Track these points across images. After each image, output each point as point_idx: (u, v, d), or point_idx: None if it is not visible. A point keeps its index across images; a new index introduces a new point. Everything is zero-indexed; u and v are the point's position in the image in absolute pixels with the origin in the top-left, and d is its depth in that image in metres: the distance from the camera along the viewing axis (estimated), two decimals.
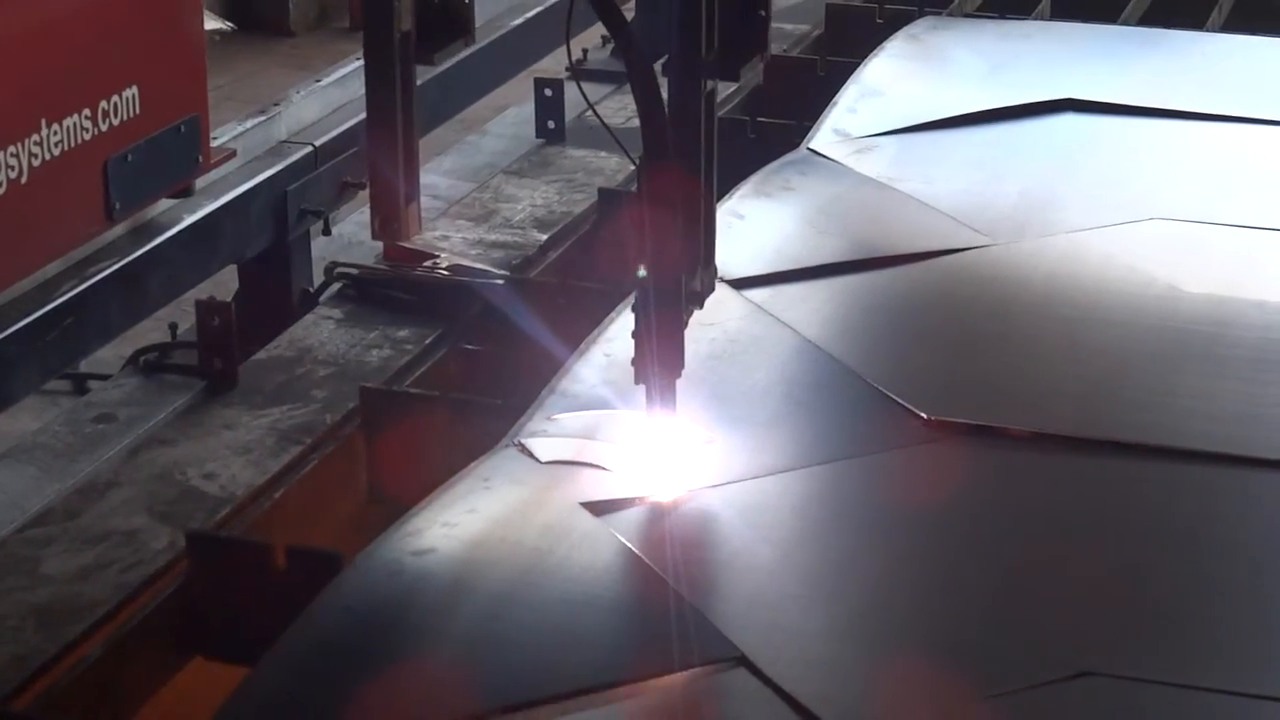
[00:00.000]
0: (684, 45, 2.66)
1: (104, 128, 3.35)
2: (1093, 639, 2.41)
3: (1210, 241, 3.50)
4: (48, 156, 3.21)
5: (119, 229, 3.52)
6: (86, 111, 3.31)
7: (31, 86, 3.19)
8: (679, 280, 2.66)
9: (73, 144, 3.27)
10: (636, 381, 2.68)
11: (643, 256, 2.63)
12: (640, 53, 2.60)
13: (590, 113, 4.01)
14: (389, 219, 2.70)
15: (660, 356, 2.66)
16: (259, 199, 3.88)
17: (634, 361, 2.67)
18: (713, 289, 2.76)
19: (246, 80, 6.22)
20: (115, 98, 3.38)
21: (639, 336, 2.65)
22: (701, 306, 2.74)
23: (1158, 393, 2.99)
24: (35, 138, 3.18)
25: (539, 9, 4.89)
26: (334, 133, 4.11)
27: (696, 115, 2.67)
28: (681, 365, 2.70)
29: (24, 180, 3.15)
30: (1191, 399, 2.96)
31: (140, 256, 3.56)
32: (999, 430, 2.86)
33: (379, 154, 2.71)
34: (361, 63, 4.58)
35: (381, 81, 2.67)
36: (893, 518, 2.69)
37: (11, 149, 3.12)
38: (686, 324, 2.70)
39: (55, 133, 3.23)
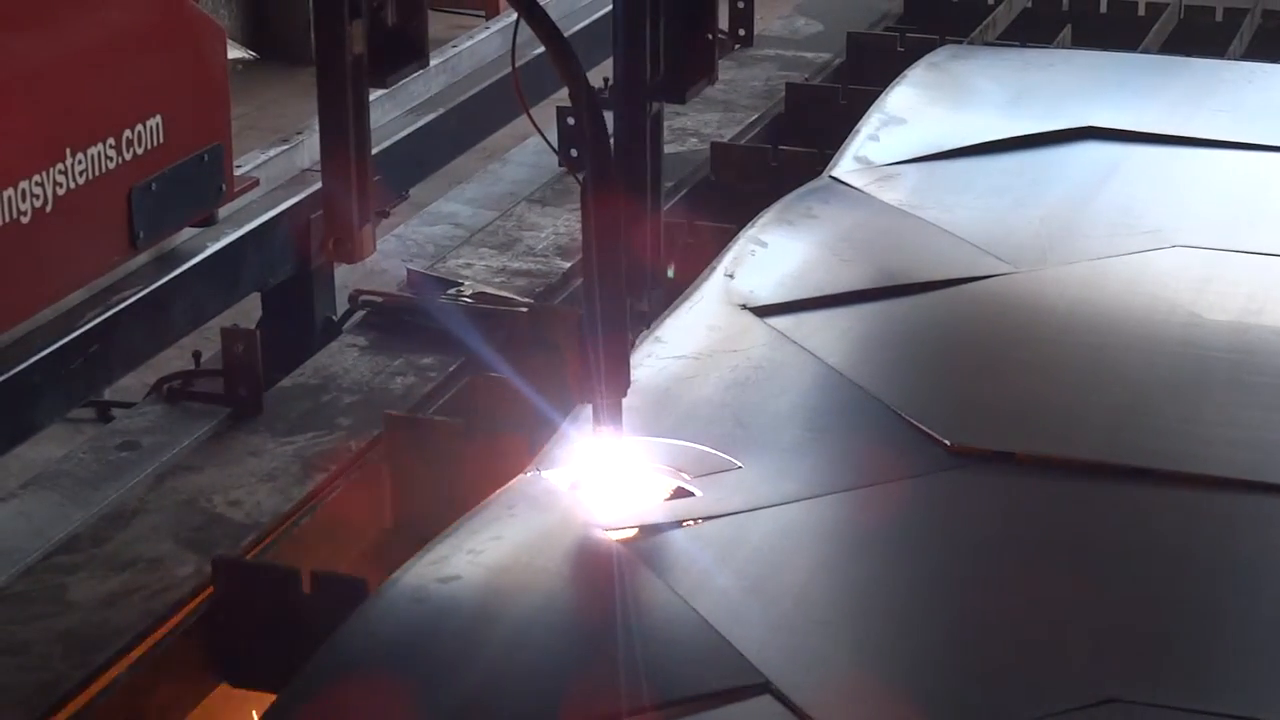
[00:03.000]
0: (627, 67, 2.68)
1: (128, 157, 3.37)
2: (1117, 666, 2.41)
3: (1232, 269, 3.50)
4: (72, 185, 3.22)
5: (143, 257, 3.53)
6: (111, 140, 3.32)
7: (56, 116, 3.20)
8: (624, 300, 2.68)
9: (97, 173, 3.28)
10: (580, 400, 2.70)
11: (588, 276, 2.66)
12: (579, 72, 2.61)
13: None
14: (343, 241, 2.75)
15: (607, 377, 2.67)
16: (282, 227, 3.89)
17: (580, 380, 2.69)
18: (661, 309, 2.78)
19: (268, 109, 6.24)
20: (139, 127, 3.39)
21: (584, 356, 2.67)
22: (649, 326, 2.75)
23: (1180, 420, 2.99)
24: (60, 167, 3.20)
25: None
26: None
27: (641, 136, 2.68)
28: (628, 385, 2.71)
29: (49, 209, 3.16)
30: (1214, 426, 2.96)
31: (164, 285, 3.57)
32: (1022, 457, 2.86)
33: (333, 177, 2.74)
34: (381, 91, 4.63)
35: (334, 105, 2.71)
36: (917, 544, 2.69)
37: (36, 178, 3.13)
38: (633, 344, 2.70)
39: (80, 162, 3.24)
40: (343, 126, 2.73)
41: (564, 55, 2.58)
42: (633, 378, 3.01)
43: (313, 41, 2.74)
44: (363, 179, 2.78)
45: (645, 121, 2.69)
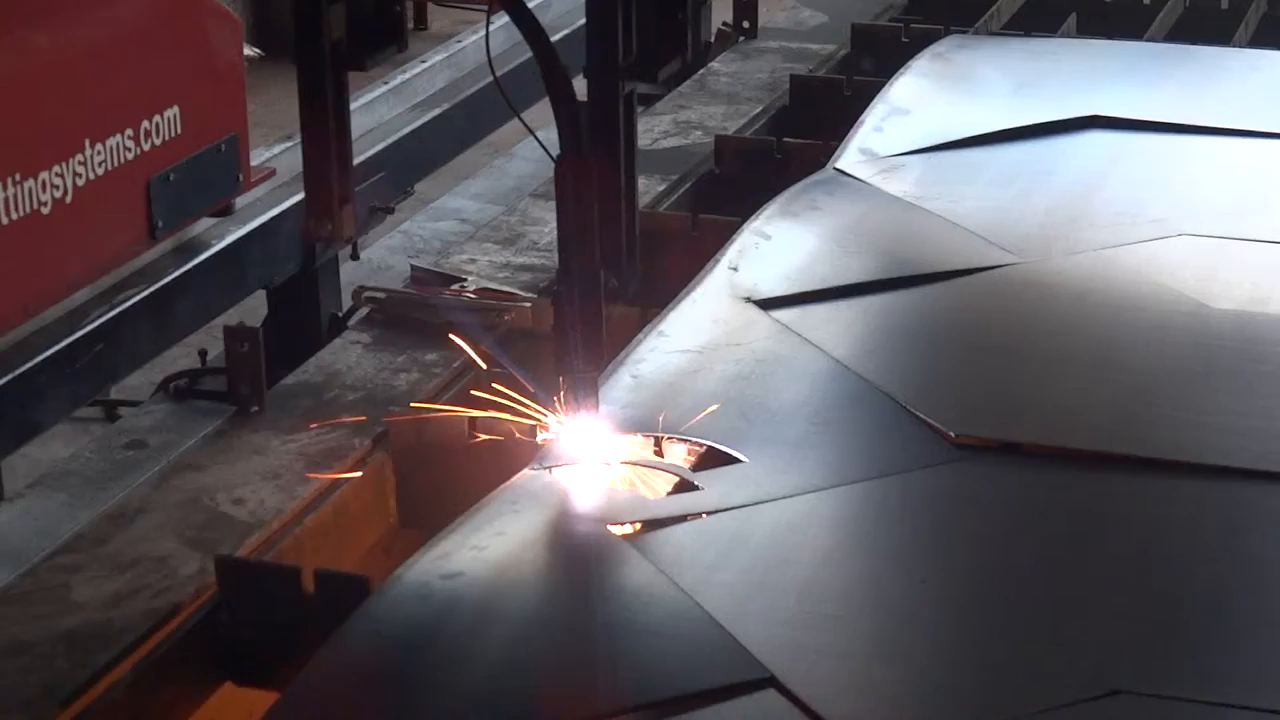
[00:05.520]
0: (599, 48, 2.70)
1: (146, 147, 3.38)
2: (1124, 657, 2.40)
3: (1238, 257, 3.49)
4: (92, 176, 3.23)
5: (153, 251, 3.54)
6: (129, 131, 3.33)
7: (76, 107, 3.21)
8: (598, 276, 2.69)
9: (116, 164, 3.29)
10: (558, 376, 2.71)
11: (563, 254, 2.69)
12: (552, 52, 2.62)
13: None
14: (323, 221, 2.78)
15: (582, 352, 2.69)
16: (287, 224, 3.89)
17: (555, 357, 2.70)
18: (637, 287, 2.79)
19: (274, 106, 6.25)
20: (157, 118, 3.40)
21: (560, 332, 2.68)
22: (624, 301, 2.77)
23: (1186, 409, 2.98)
24: (79, 157, 3.20)
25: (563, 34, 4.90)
26: (361, 158, 4.12)
27: (615, 116, 2.70)
28: (602, 360, 2.72)
29: (69, 199, 3.17)
30: (1220, 415, 2.95)
31: (169, 283, 3.57)
32: (1027, 448, 2.86)
33: (313, 159, 2.77)
34: (388, 87, 4.64)
35: (314, 88, 2.74)
36: (922, 537, 2.68)
37: (56, 169, 3.14)
38: (607, 319, 2.73)
39: (99, 152, 3.25)
40: (323, 110, 2.75)
41: (527, 24, 2.60)
42: (637, 372, 3.03)
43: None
44: (343, 160, 2.80)
45: (618, 102, 2.71)
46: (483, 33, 4.90)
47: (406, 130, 4.49)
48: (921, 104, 4.27)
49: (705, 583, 2.49)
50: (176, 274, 3.60)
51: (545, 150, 2.73)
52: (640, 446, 2.80)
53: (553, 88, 2.63)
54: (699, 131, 4.50)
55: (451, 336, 3.30)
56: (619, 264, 2.76)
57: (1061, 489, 2.79)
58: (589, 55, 2.74)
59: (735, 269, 3.40)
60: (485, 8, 2.99)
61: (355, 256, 4.28)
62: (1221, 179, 3.89)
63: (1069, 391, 3.05)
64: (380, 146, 4.32)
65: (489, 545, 2.56)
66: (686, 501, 2.69)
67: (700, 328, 3.20)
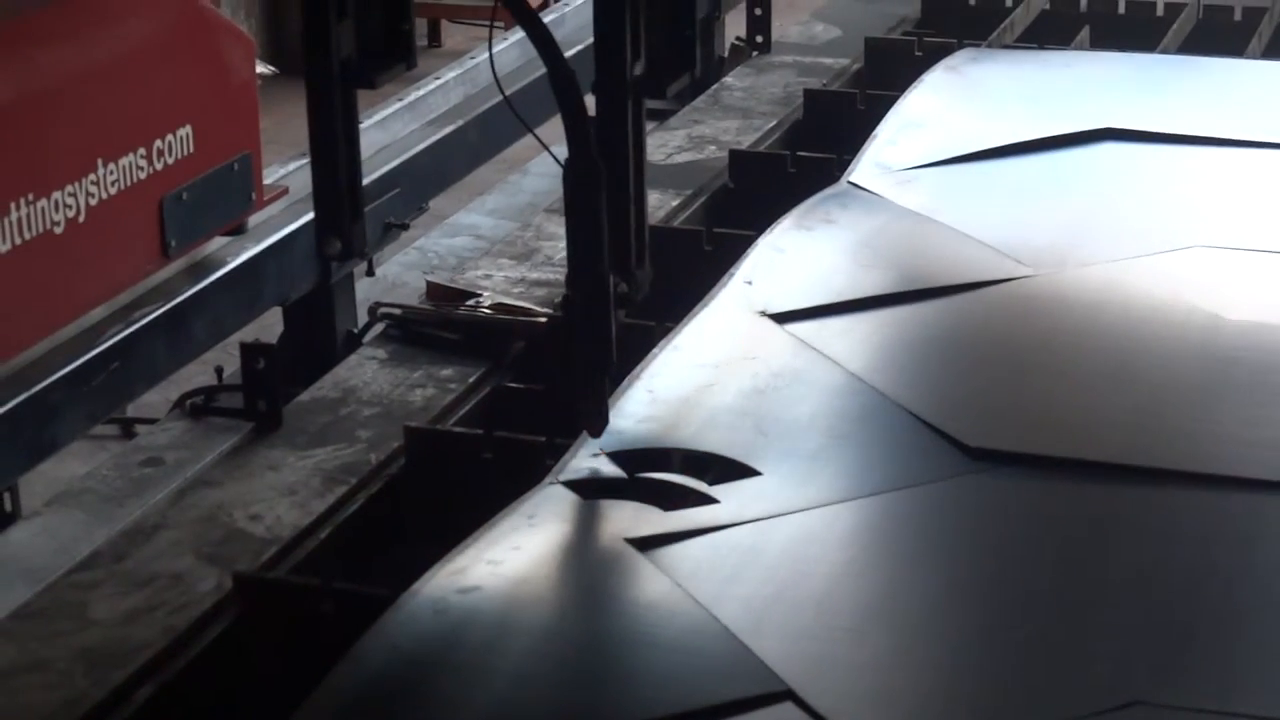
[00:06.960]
0: (607, 61, 2.72)
1: (159, 166, 3.38)
2: (1142, 667, 2.40)
3: (1252, 268, 3.49)
4: (104, 195, 3.24)
5: (167, 269, 3.54)
6: (142, 150, 3.34)
7: (89, 126, 3.22)
8: (606, 282, 2.71)
9: (129, 183, 3.30)
10: (566, 382, 2.72)
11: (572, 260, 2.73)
12: (559, 58, 2.64)
13: None
14: (332, 239, 2.81)
15: (591, 358, 2.71)
16: (302, 241, 3.89)
17: (564, 365, 2.72)
18: (646, 291, 2.81)
19: (288, 124, 6.24)
20: (170, 137, 3.41)
21: (570, 339, 2.71)
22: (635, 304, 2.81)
23: (1201, 420, 2.98)
24: (92, 177, 3.21)
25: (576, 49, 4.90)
26: (376, 174, 4.13)
27: (623, 128, 2.72)
28: (612, 366, 2.74)
29: (82, 219, 3.18)
30: (1235, 426, 2.95)
31: (184, 300, 3.57)
32: (1043, 459, 2.86)
33: (323, 177, 2.79)
34: (403, 104, 4.64)
35: (323, 106, 2.76)
36: (939, 548, 2.68)
37: (69, 188, 3.15)
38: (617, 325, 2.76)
39: (111, 172, 3.26)
40: (332, 128, 2.77)
41: (537, 30, 2.61)
42: (652, 387, 3.03)
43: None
44: (353, 179, 2.82)
45: (628, 112, 2.73)
46: (495, 49, 4.92)
47: (421, 146, 4.49)
48: (935, 117, 4.27)
49: (722, 596, 2.49)
50: (192, 291, 3.61)
51: (557, 161, 2.74)
52: (656, 460, 2.80)
53: (560, 93, 2.64)
54: (713, 146, 4.50)
55: None
56: (628, 268, 2.77)
57: (1077, 500, 2.79)
58: (597, 69, 2.76)
59: (750, 283, 3.40)
60: (497, 24, 3.01)
61: (370, 273, 4.28)
62: (1235, 190, 3.89)
63: (1084, 403, 3.05)
64: (395, 163, 4.32)
65: (505, 559, 2.56)
66: (703, 515, 2.69)
67: (715, 342, 3.21)
